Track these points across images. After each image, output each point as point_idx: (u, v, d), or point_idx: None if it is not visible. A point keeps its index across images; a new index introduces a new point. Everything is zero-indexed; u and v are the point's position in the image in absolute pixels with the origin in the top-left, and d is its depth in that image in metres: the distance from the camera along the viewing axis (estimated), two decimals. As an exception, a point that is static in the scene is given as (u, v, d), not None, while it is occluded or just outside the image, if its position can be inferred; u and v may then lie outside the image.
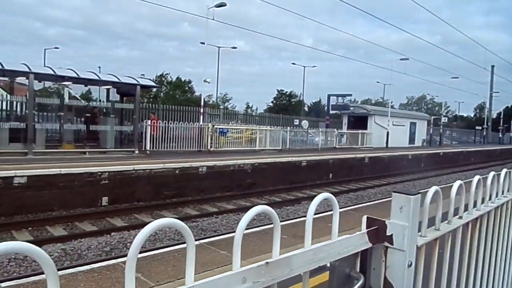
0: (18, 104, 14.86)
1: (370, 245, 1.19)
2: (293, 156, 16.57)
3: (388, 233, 1.19)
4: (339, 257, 1.10)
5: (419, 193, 1.19)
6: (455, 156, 28.41)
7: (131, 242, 6.52)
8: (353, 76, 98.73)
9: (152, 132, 15.19)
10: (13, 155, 11.77)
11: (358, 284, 1.18)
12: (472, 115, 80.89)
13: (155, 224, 0.74)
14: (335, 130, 24.96)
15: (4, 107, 14.95)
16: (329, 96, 28.63)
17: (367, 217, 1.24)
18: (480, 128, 49.16)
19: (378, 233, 1.20)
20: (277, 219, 1.03)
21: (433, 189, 1.32)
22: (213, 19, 20.46)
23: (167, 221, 0.77)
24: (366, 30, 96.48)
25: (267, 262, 0.89)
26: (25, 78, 13.01)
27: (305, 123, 24.92)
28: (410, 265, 1.18)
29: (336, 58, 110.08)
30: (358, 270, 1.24)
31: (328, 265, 1.16)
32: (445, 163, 25.16)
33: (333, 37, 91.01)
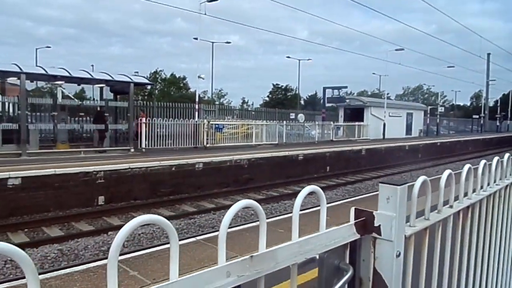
0: (10, 104, 14.76)
1: (358, 236, 1.19)
2: (289, 150, 16.56)
3: (376, 224, 1.19)
4: (327, 249, 1.09)
5: (405, 183, 1.19)
6: (452, 146, 28.57)
7: (128, 241, 6.49)
8: (348, 68, 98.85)
9: (140, 130, 15.09)
10: (6, 156, 11.69)
11: (347, 276, 1.18)
12: (468, 104, 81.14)
13: (136, 221, 0.73)
14: (332, 123, 24.97)
15: (-4, 108, 14.85)
16: (324, 89, 28.58)
17: (355, 209, 1.24)
18: (477, 116, 49.25)
19: (366, 224, 1.20)
20: (263, 213, 1.02)
21: (421, 179, 1.31)
22: (205, 14, 20.34)
23: (149, 217, 0.76)
24: (361, 21, 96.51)
25: (251, 256, 0.88)
26: (16, 78, 12.90)
27: (301, 117, 24.92)
28: (398, 255, 1.18)
29: (331, 50, 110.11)
30: (347, 261, 1.24)
31: (318, 257, 1.16)
32: (443, 153, 25.31)
33: (328, 29, 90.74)
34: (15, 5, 72.78)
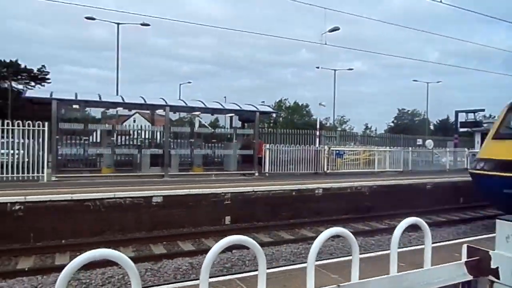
0: (158, 132, 17.28)
1: (470, 277, 1.07)
2: (416, 178, 15.36)
3: (493, 266, 1.05)
4: (428, 287, 1.01)
5: (530, 221, 1.03)
6: None
7: (249, 260, 6.80)
8: (487, 89, 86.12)
9: (264, 155, 15.87)
10: (152, 177, 13.64)
11: (457, 321, 1.06)
12: None
13: (225, 241, 0.83)
14: (466, 149, 22.27)
15: (147, 136, 17.57)
16: (457, 112, 25.82)
17: (468, 246, 1.12)
18: None
19: (481, 265, 1.07)
20: (355, 243, 1.02)
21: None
22: (325, 44, 20.71)
23: (237, 238, 0.85)
24: (503, 37, 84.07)
25: (338, 285, 0.89)
26: (162, 110, 15.10)
27: (429, 143, 22.87)
28: (523, 306, 1.01)
29: (465, 71, 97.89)
30: (459, 305, 1.12)
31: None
32: None
33: (463, 48, 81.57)
34: (163, 48, 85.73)
